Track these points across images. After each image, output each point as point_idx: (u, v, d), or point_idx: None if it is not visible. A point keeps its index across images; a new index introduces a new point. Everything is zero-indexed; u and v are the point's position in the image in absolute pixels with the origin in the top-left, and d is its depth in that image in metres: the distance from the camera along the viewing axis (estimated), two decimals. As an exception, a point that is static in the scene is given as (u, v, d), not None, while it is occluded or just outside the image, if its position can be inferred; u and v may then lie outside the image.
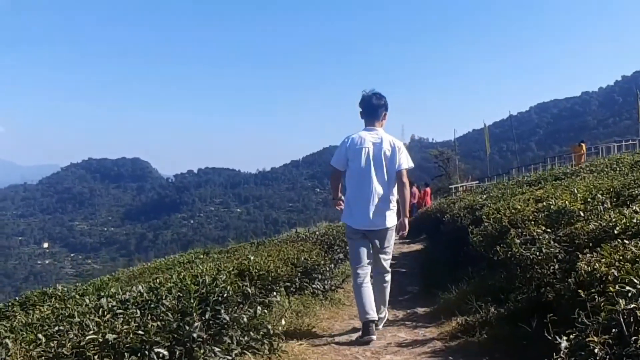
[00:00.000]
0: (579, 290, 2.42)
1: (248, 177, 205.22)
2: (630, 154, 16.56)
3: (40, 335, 2.92)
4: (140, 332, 2.93)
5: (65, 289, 8.52)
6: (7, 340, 2.93)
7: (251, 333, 3.62)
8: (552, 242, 4.59)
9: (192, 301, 3.31)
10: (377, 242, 5.40)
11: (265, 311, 3.76)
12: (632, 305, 1.93)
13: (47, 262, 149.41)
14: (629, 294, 2.02)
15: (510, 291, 5.07)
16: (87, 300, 3.55)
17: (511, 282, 5.09)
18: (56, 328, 3.05)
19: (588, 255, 3.17)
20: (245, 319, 3.48)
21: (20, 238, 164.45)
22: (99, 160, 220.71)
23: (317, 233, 9.62)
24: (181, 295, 3.38)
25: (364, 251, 5.40)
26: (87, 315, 3.15)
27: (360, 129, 5.50)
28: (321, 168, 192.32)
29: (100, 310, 3.20)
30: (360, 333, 5.08)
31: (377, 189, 5.23)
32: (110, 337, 2.81)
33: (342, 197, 5.53)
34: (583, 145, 29.86)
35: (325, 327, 5.67)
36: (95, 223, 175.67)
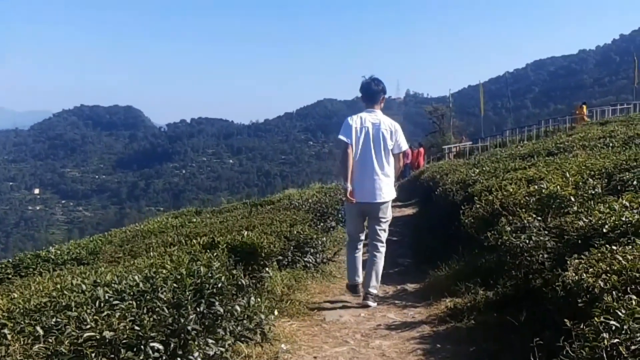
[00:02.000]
0: (565, 319, 2.48)
1: (241, 129, 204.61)
2: (623, 122, 16.60)
3: (38, 328, 2.97)
4: (136, 327, 3.00)
5: (59, 251, 8.56)
6: (5, 331, 2.99)
7: (244, 322, 3.69)
8: (542, 231, 4.68)
9: (187, 293, 3.37)
10: (374, 214, 5.87)
11: (259, 299, 3.82)
12: (615, 340, 2.00)
13: (37, 208, 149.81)
14: (613, 327, 2.08)
15: (499, 275, 5.16)
16: (84, 287, 3.59)
17: (501, 266, 5.18)
18: (54, 320, 3.10)
19: (576, 261, 3.22)
20: (238, 310, 3.55)
21: (11, 183, 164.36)
22: (92, 107, 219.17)
23: (310, 201, 9.66)
24: (176, 286, 3.44)
25: (360, 225, 6.02)
26: (84, 307, 3.20)
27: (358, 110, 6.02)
28: (315, 121, 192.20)
29: (97, 302, 3.25)
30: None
31: (376, 165, 5.70)
32: (107, 334, 2.87)
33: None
34: (584, 106, 30.22)
35: (317, 303, 5.77)
36: (86, 170, 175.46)
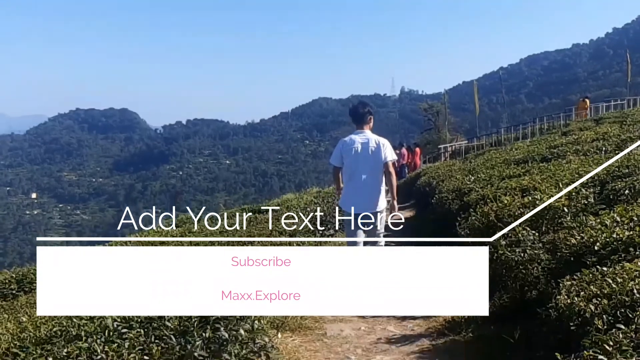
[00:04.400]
0: (558, 341, 2.59)
1: (237, 129, 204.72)
2: (618, 119, 16.74)
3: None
4: (145, 357, 3.11)
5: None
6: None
7: (249, 344, 3.79)
8: (536, 244, 4.82)
9: (193, 320, 3.48)
10: (370, 222, 6.26)
11: (262, 322, 3.92)
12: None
13: (35, 212, 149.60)
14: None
15: (496, 286, 5.27)
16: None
17: (496, 278, 5.29)
18: (65, 351, 3.21)
19: (567, 282, 3.34)
20: (243, 334, 3.65)
21: (8, 188, 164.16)
22: (87, 111, 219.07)
23: (308, 209, 9.78)
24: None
25: (358, 234, 6.37)
26: (94, 336, 3.31)
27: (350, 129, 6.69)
28: (310, 120, 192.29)
29: (107, 330, 3.36)
30: None
31: (366, 179, 6.32)
32: (118, 366, 2.98)
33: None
34: (587, 100, 30.57)
35: (317, 316, 5.86)
36: (83, 174, 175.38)
